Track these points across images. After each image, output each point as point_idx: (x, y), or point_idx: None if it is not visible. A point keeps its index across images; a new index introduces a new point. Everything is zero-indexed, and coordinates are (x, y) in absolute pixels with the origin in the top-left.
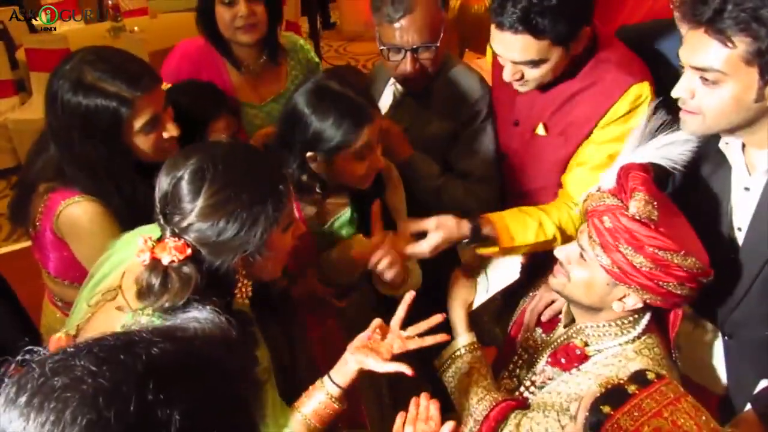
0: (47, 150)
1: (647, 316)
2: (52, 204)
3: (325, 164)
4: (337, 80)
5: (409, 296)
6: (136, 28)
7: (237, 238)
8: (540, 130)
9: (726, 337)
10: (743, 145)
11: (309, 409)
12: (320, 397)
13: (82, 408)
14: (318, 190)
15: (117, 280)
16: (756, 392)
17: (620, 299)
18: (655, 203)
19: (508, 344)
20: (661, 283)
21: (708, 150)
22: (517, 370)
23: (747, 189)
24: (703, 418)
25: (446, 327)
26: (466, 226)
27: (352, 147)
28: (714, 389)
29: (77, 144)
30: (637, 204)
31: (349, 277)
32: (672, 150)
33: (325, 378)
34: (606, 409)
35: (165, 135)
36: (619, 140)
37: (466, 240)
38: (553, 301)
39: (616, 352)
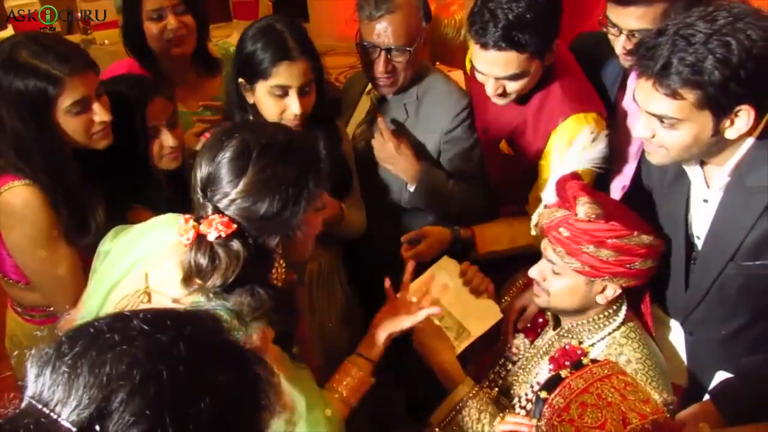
0: None
1: (624, 304)
2: None
3: (251, 93)
4: (285, 23)
5: (411, 265)
6: (106, 41)
7: (281, 215)
8: (503, 147)
9: (688, 334)
10: (702, 161)
11: (346, 386)
12: (356, 374)
13: (137, 362)
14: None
15: (140, 282)
16: (713, 384)
17: (601, 292)
18: (598, 202)
19: (484, 353)
20: (628, 265)
21: (656, 167)
22: (500, 380)
23: (705, 201)
24: (631, 390)
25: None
26: (447, 234)
27: (269, 80)
28: (678, 381)
29: (8, 123)
30: (584, 207)
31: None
32: (591, 153)
33: (355, 355)
34: (543, 394)
35: (95, 119)
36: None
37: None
38: (524, 308)
39: (608, 342)
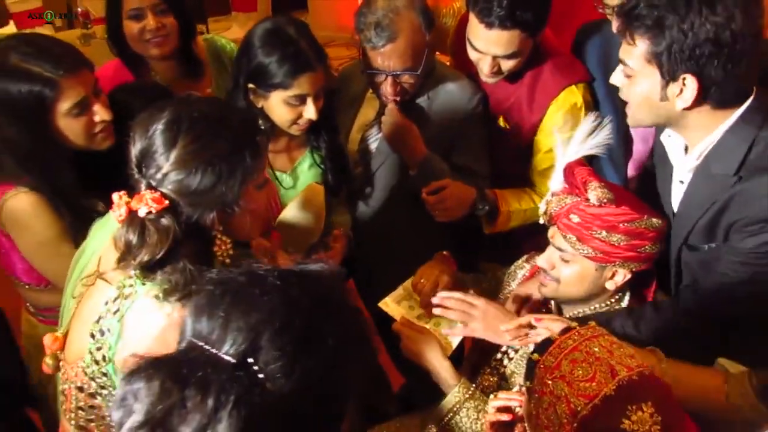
0: None
1: (628, 293)
2: None
3: (262, 99)
4: (295, 27)
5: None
6: (107, 35)
7: (215, 189)
8: (502, 122)
9: None
10: (686, 147)
11: None
12: None
13: (276, 311)
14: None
15: (95, 266)
16: None
17: (611, 278)
18: (608, 186)
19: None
20: (639, 249)
21: (658, 144)
22: (502, 368)
23: (681, 182)
24: (617, 347)
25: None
26: (472, 189)
27: (288, 90)
28: None
29: (4, 131)
30: (595, 192)
31: (309, 233)
32: (597, 138)
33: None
34: (534, 356)
35: (96, 119)
36: None
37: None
38: (528, 297)
39: None
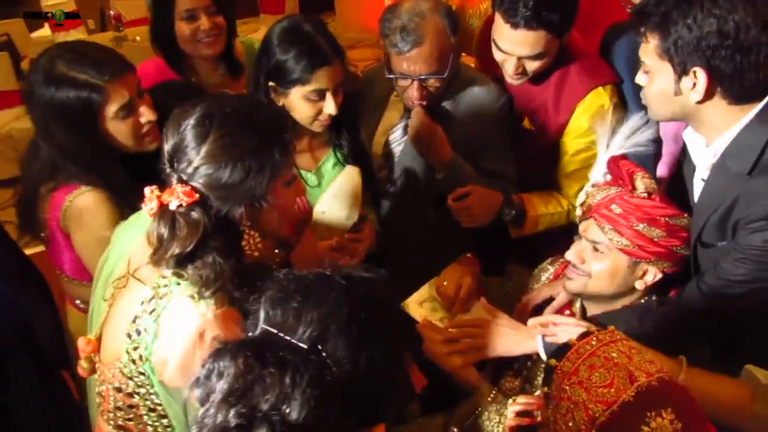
0: (40, 152)
1: (655, 295)
2: (57, 202)
3: (282, 96)
4: (312, 24)
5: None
6: (138, 38)
7: (244, 183)
8: (526, 124)
9: None
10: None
11: None
12: None
13: (342, 307)
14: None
15: (124, 268)
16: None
17: (641, 277)
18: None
19: None
20: (673, 247)
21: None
22: (524, 371)
23: (703, 179)
24: (636, 353)
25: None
26: (498, 194)
27: (306, 86)
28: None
29: (55, 136)
30: (643, 182)
31: (348, 217)
32: (638, 136)
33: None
34: (552, 362)
35: (142, 120)
36: (587, 149)
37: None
38: (552, 298)
39: None
